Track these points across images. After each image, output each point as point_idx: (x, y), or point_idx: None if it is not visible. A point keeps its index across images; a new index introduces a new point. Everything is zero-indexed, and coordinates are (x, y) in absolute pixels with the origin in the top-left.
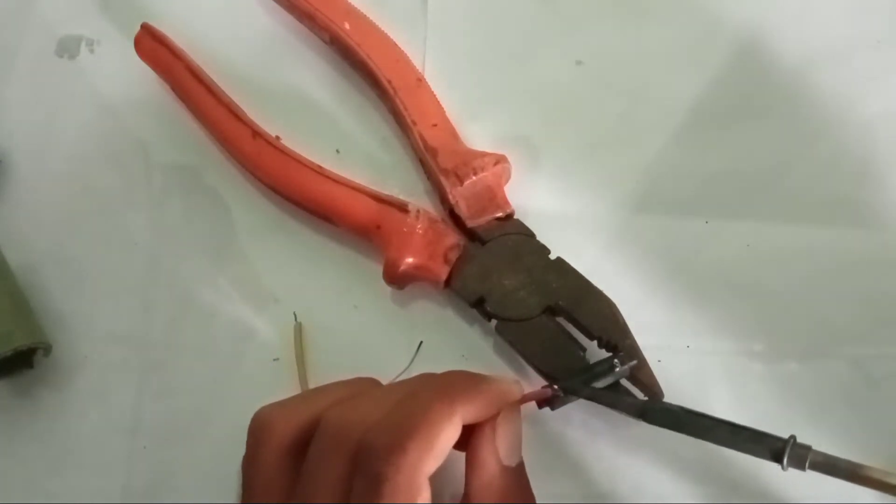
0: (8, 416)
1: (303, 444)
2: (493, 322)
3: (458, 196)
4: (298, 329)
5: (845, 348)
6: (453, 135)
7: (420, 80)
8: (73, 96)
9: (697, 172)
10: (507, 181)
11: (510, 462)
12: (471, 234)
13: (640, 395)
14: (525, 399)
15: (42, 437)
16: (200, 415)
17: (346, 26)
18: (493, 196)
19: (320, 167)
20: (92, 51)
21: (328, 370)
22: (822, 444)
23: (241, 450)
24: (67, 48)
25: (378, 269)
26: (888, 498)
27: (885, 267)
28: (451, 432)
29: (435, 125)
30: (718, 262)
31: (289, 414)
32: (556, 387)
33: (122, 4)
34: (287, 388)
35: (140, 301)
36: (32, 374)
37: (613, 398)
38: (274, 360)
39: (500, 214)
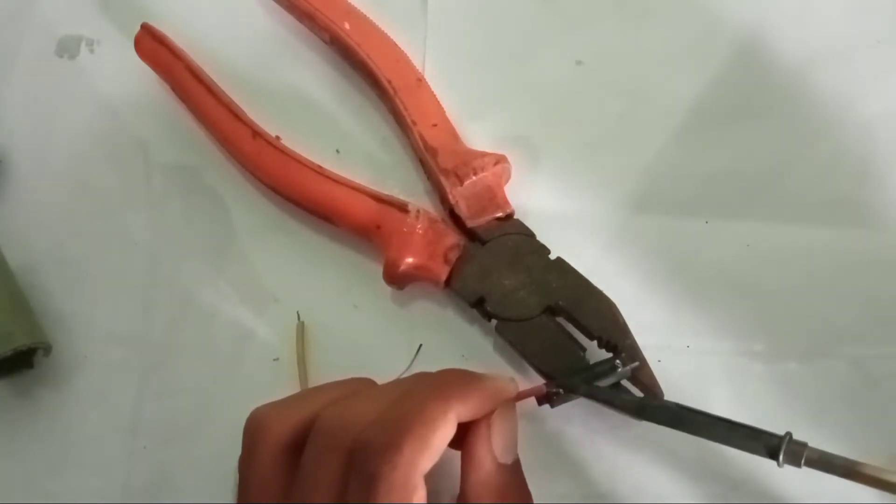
0: (8, 416)
1: (299, 444)
2: (493, 322)
3: (458, 196)
4: (301, 328)
5: (845, 348)
6: (453, 135)
7: (420, 80)
8: (73, 96)
9: (697, 172)
10: (507, 181)
11: (506, 460)
12: (471, 234)
13: (640, 395)
14: (520, 396)
15: (42, 437)
16: (200, 415)
17: (346, 26)
18: (493, 196)
19: (320, 167)
20: (92, 51)
21: (328, 370)
22: (822, 443)
23: (240, 450)
24: (67, 48)
25: (378, 269)
26: (884, 495)
27: (885, 267)
28: (446, 430)
29: (435, 125)
30: (718, 262)
31: (285, 414)
32: (554, 385)
33: (122, 4)
34: (287, 388)
35: (140, 301)
36: (32, 374)
37: (611, 395)
38: (274, 360)
39: (500, 214)
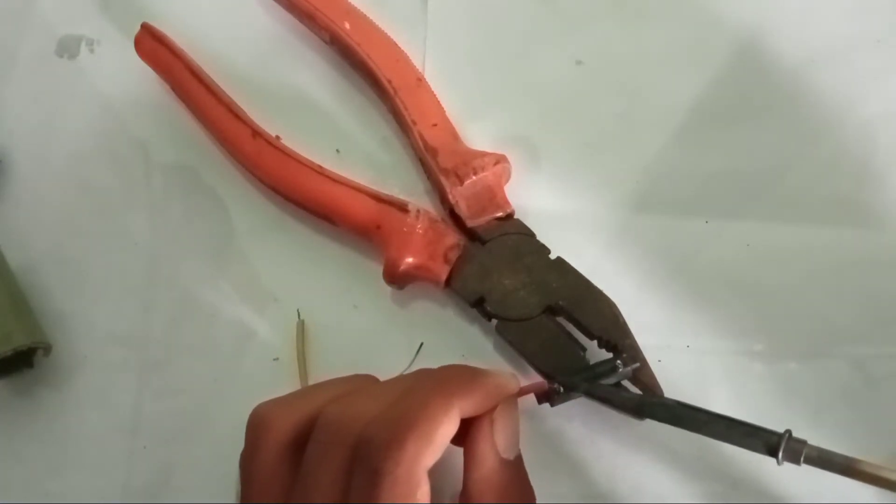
0: (8, 416)
1: (301, 441)
2: (494, 322)
3: (458, 196)
4: (301, 326)
5: (845, 348)
6: (453, 135)
7: (420, 80)
8: (73, 96)
9: (697, 172)
10: (507, 181)
11: (508, 455)
12: (471, 234)
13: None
14: (522, 392)
15: (42, 437)
16: (200, 415)
17: (346, 26)
18: (493, 196)
19: (320, 167)
20: (92, 51)
21: (328, 370)
22: (822, 443)
23: (241, 449)
24: (67, 48)
25: (378, 269)
26: (883, 493)
27: (885, 267)
28: (449, 426)
29: (435, 125)
30: (718, 262)
31: (287, 410)
32: (555, 383)
33: (122, 4)
34: (287, 388)
35: (140, 301)
36: (32, 374)
37: (611, 393)
38: (274, 359)
39: (500, 214)
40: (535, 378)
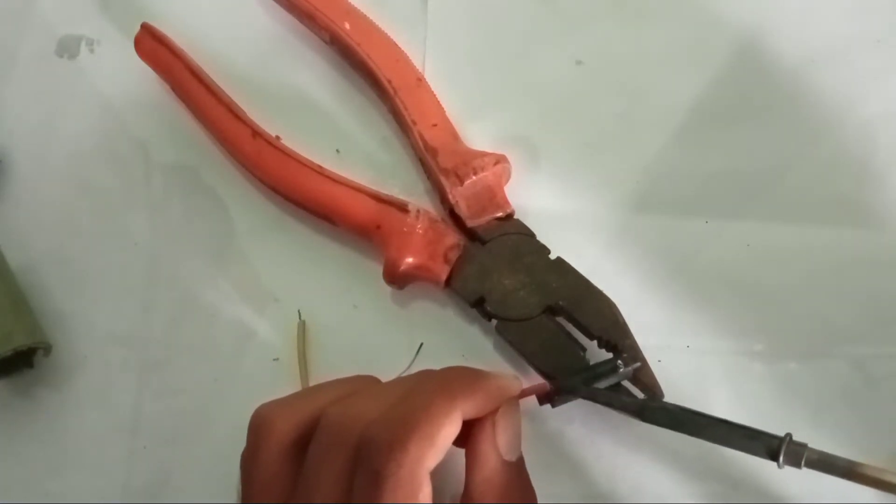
0: (8, 416)
1: (303, 441)
2: (493, 322)
3: (458, 196)
4: (302, 327)
5: (845, 348)
6: (453, 135)
7: (420, 80)
8: (73, 96)
9: (697, 172)
10: (507, 181)
11: (510, 457)
12: (471, 234)
13: (640, 395)
14: (524, 394)
15: (42, 437)
16: (200, 415)
17: (346, 26)
18: (493, 196)
19: (320, 167)
20: (92, 51)
21: (328, 370)
22: (822, 443)
23: (241, 450)
24: (67, 48)
25: (378, 269)
26: (884, 496)
27: (885, 267)
28: (451, 428)
29: (435, 125)
30: (718, 262)
31: (289, 411)
32: (556, 384)
33: (122, 4)
34: (287, 389)
35: (140, 301)
36: (32, 374)
37: (611, 397)
38: (274, 359)
39: (500, 214)
40: (536, 379)
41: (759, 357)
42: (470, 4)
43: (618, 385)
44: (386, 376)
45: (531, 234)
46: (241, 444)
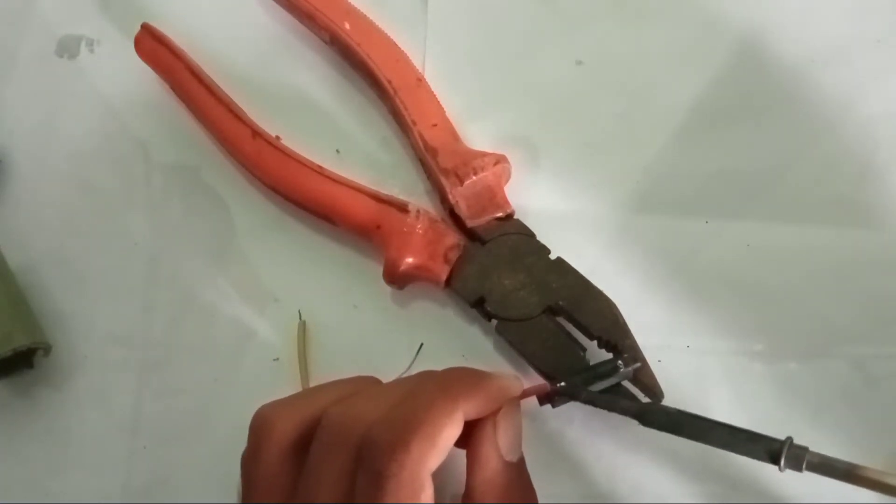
0: (8, 416)
1: (305, 442)
2: (493, 322)
3: (458, 196)
4: (302, 327)
5: (845, 348)
6: (453, 135)
7: (420, 80)
8: (73, 96)
9: (697, 172)
10: (507, 181)
11: (511, 457)
12: (471, 234)
13: (641, 395)
14: (525, 394)
15: (42, 437)
16: (200, 415)
17: (346, 26)
18: (493, 196)
19: (320, 167)
20: (92, 51)
21: (328, 370)
22: (822, 444)
23: (241, 450)
24: (67, 48)
25: (378, 269)
26: (885, 498)
27: (885, 267)
28: (453, 429)
29: (435, 125)
30: (718, 262)
31: (290, 411)
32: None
33: (122, 4)
34: (287, 389)
35: (140, 301)
36: (32, 374)
37: (611, 402)
38: (274, 359)
39: (500, 214)
40: (536, 379)
41: (759, 357)
42: (470, 4)
43: (618, 385)
44: (386, 376)
45: (531, 234)
46: (241, 444)
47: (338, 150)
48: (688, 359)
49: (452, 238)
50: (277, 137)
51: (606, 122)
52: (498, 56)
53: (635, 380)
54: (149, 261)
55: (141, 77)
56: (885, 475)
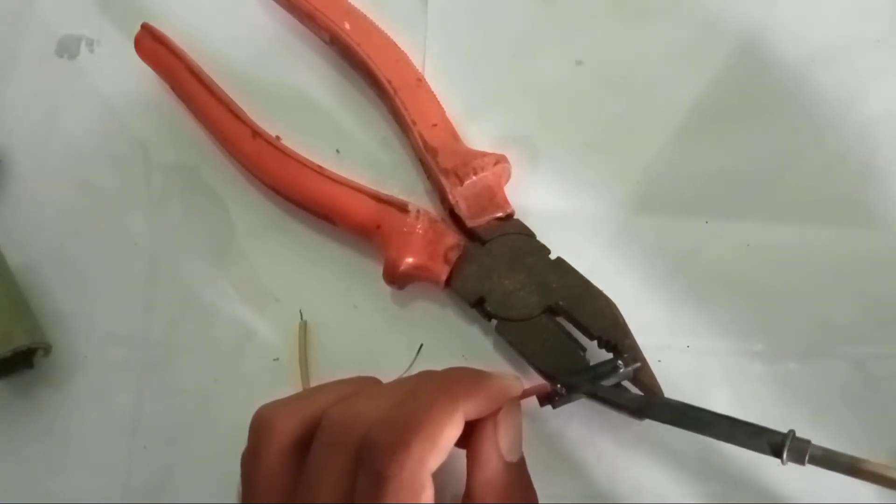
0: (8, 416)
1: (305, 442)
2: (494, 322)
3: (458, 196)
4: (303, 327)
5: (845, 348)
6: (453, 135)
7: (420, 80)
8: (73, 96)
9: (697, 172)
10: (507, 181)
11: (512, 458)
12: (471, 234)
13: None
14: (526, 394)
15: (42, 437)
16: (200, 415)
17: (346, 26)
18: (493, 196)
19: (320, 167)
20: (92, 51)
21: (328, 370)
22: (822, 443)
23: (241, 449)
24: (67, 48)
25: (378, 269)
26: (885, 495)
27: (885, 267)
28: (453, 429)
29: (435, 125)
30: (718, 262)
31: (291, 411)
32: (557, 385)
33: (122, 4)
34: (287, 389)
35: (140, 301)
36: (32, 374)
37: (614, 394)
38: (274, 359)
39: (500, 214)
40: (536, 379)
41: (759, 357)
42: (470, 4)
43: (618, 385)
44: (386, 376)
45: (531, 234)
46: (242, 443)
47: (338, 150)
48: (688, 359)
49: (452, 238)
50: (277, 137)
51: (606, 122)
52: (498, 56)
53: (635, 380)
54: (149, 261)
55: (141, 77)
56: (888, 469)
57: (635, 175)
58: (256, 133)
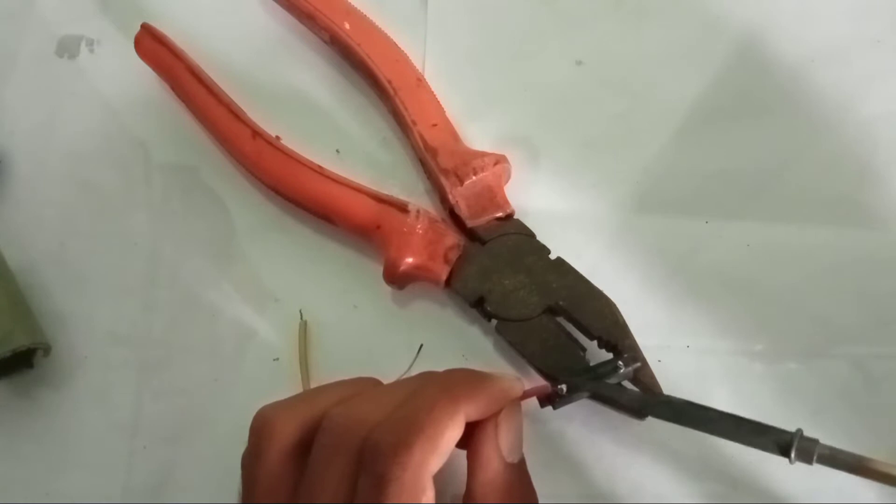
0: (8, 416)
1: (306, 443)
2: (494, 322)
3: (458, 196)
4: (303, 327)
5: (845, 348)
6: (453, 135)
7: (420, 80)
8: (73, 96)
9: (697, 172)
10: (507, 181)
11: (512, 459)
12: (471, 234)
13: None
14: (526, 395)
15: (42, 437)
16: (201, 415)
17: (346, 26)
18: (493, 196)
19: (320, 167)
20: (92, 51)
21: (328, 370)
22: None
23: (242, 450)
24: (67, 48)
25: (378, 269)
26: (887, 493)
27: (885, 267)
28: (455, 431)
29: (435, 125)
30: (718, 262)
31: (292, 412)
32: (558, 385)
33: (122, 4)
34: (287, 389)
35: (140, 301)
36: (32, 374)
37: (616, 392)
38: (274, 359)
39: (500, 214)
40: (536, 379)
41: (759, 357)
42: (470, 4)
43: (618, 385)
44: (386, 376)
45: (531, 234)
46: (242, 444)
47: (338, 150)
48: (688, 359)
49: (452, 238)
50: (277, 137)
51: (606, 122)
52: (498, 56)
53: (635, 380)
54: (149, 261)
55: (141, 77)
56: (894, 468)
57: (635, 175)
58: (256, 133)
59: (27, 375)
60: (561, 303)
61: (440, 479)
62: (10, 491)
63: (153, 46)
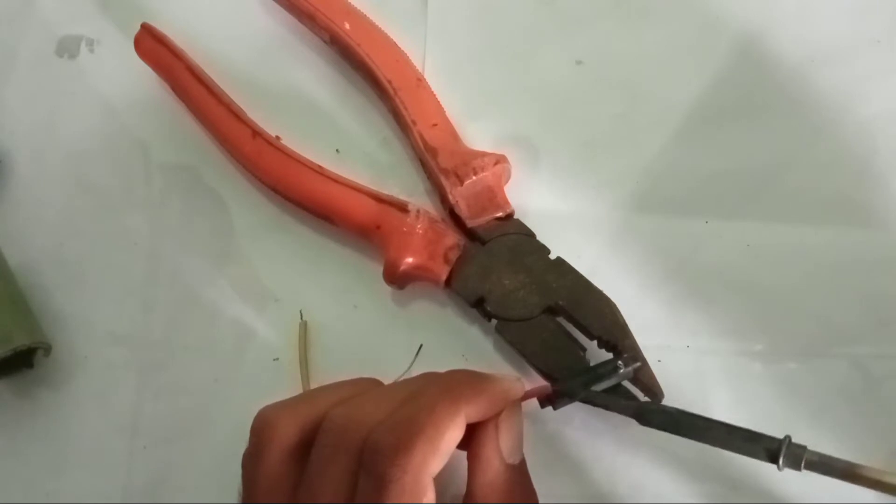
0: (8, 416)
1: (306, 444)
2: (494, 322)
3: (458, 196)
4: (303, 327)
5: (845, 348)
6: (453, 135)
7: (420, 80)
8: (73, 96)
9: (697, 172)
10: (507, 181)
11: (513, 460)
12: (471, 234)
13: (641, 396)
14: (527, 396)
15: (42, 437)
16: (200, 415)
17: (346, 26)
18: (493, 196)
19: (320, 167)
20: (92, 51)
21: (328, 370)
22: (822, 444)
23: (242, 450)
24: (67, 48)
25: (378, 269)
26: (884, 497)
27: (885, 267)
28: (455, 432)
29: (435, 125)
30: (718, 262)
31: (292, 413)
32: (558, 386)
33: (122, 4)
34: (287, 389)
35: (140, 301)
36: (32, 374)
37: (610, 400)
38: (274, 360)
39: (500, 214)
40: (535, 379)
41: (759, 357)
42: (470, 4)
43: (618, 385)
44: (386, 376)
45: (531, 234)
46: (242, 444)
47: (338, 150)
48: (688, 359)
49: (452, 238)
50: (277, 137)
51: (606, 122)
52: (498, 56)
53: (635, 380)
54: (149, 261)
55: (141, 77)
56: (884, 474)
57: (635, 175)
58: (256, 133)
59: (27, 375)
60: (561, 303)
61: (440, 480)
62: (10, 491)
63: (153, 46)
